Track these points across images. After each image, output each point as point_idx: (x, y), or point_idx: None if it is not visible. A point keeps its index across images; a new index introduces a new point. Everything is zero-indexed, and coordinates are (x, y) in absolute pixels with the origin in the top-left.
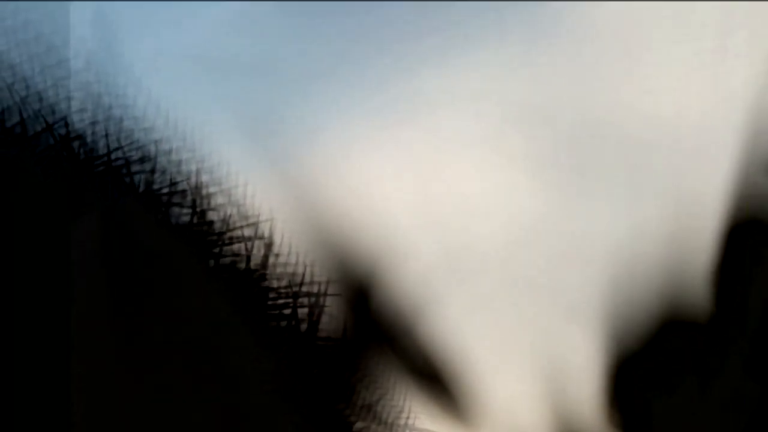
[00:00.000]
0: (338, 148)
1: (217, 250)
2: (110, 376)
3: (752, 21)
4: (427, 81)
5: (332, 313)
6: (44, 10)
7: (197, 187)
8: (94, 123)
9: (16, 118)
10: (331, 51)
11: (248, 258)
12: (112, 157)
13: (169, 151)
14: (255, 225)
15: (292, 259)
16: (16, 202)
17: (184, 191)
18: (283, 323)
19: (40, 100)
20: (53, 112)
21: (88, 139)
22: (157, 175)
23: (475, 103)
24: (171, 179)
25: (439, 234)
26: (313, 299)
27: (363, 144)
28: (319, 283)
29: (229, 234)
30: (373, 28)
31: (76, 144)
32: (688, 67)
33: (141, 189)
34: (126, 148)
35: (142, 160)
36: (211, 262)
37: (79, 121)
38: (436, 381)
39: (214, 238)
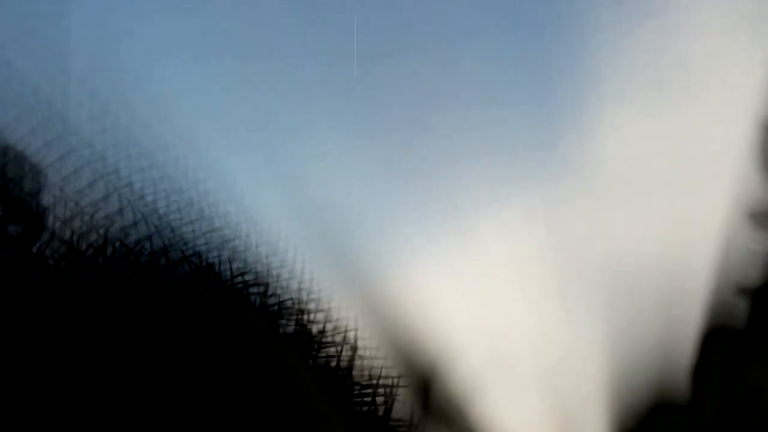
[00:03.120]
0: (406, 274)
1: (314, 352)
2: None
3: (720, 171)
4: (474, 220)
5: (402, 401)
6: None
7: (299, 304)
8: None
9: (158, 245)
10: (398, 196)
11: (338, 358)
12: (235, 281)
13: (278, 276)
14: (343, 333)
15: (372, 359)
16: (166, 322)
17: (289, 307)
18: (365, 408)
19: (172, 230)
20: (182, 239)
21: (215, 266)
22: (269, 294)
23: (509, 236)
24: (280, 298)
25: (484, 339)
26: (387, 390)
27: (425, 270)
28: (392, 378)
29: (323, 340)
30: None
31: (207, 271)
32: (672, 207)
33: (257, 305)
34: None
35: (256, 282)
36: (310, 362)
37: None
38: None
39: (312, 343)
